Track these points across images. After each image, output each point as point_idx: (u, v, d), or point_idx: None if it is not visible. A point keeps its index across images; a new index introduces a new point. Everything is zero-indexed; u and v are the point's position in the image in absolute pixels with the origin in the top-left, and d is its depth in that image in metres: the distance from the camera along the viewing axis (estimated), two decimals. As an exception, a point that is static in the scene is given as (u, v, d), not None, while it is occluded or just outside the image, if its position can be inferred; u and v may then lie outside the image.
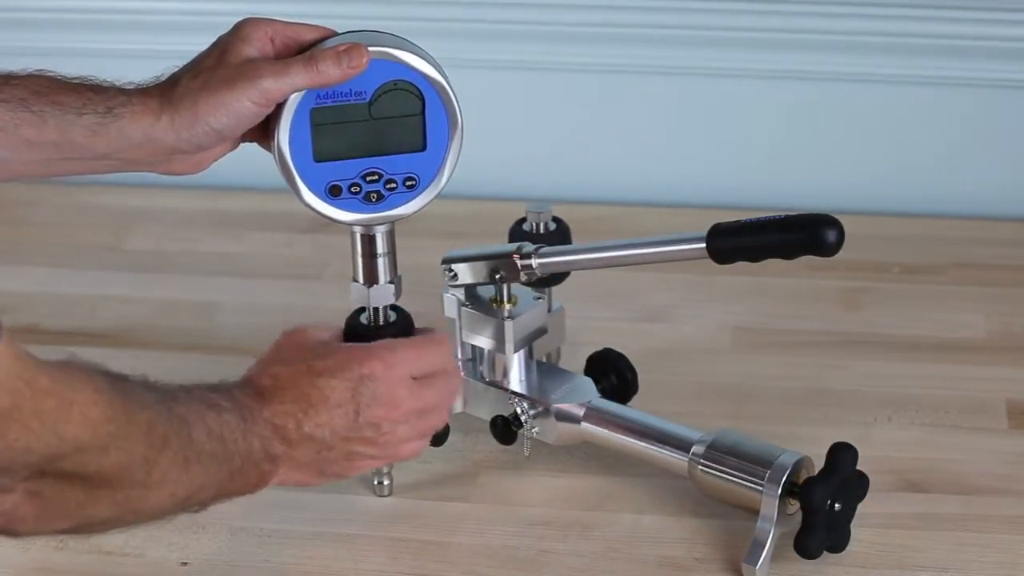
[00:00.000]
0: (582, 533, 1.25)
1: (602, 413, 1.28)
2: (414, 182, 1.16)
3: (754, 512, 1.18)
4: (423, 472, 1.31)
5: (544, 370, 1.32)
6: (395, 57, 1.13)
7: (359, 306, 1.22)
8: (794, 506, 1.18)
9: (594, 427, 1.27)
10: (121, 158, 1.13)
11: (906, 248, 1.64)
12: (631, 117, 1.77)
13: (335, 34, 1.15)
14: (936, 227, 1.68)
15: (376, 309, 1.21)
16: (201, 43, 1.15)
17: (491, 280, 1.27)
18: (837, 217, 1.12)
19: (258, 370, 1.13)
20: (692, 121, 1.76)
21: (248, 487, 1.09)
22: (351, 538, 1.25)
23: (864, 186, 1.74)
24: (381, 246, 1.19)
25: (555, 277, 1.31)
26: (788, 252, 1.13)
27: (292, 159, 1.14)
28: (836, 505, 1.17)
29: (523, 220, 1.33)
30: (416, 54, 1.14)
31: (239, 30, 1.13)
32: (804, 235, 1.12)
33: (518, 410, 1.28)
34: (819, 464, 1.18)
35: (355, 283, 1.21)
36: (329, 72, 1.11)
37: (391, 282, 1.21)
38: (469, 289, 1.31)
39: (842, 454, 1.18)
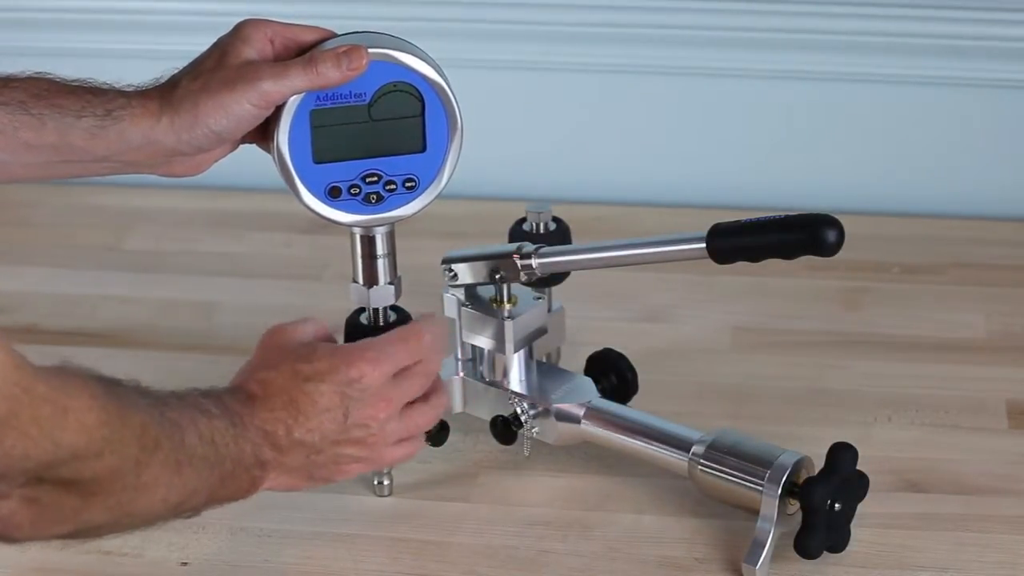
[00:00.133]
0: (582, 533, 1.25)
1: (602, 413, 1.28)
2: (414, 183, 1.16)
3: (754, 512, 1.18)
4: (423, 472, 1.31)
5: (544, 370, 1.32)
6: (395, 59, 1.13)
7: (359, 307, 1.22)
8: (794, 506, 1.18)
9: (594, 427, 1.27)
10: (121, 160, 1.13)
11: (906, 248, 1.64)
12: (631, 117, 1.77)
13: (335, 35, 1.15)
14: (936, 227, 1.68)
15: (376, 310, 1.22)
16: (201, 43, 1.15)
17: (491, 280, 1.27)
18: (837, 217, 1.12)
19: (246, 376, 1.12)
20: (692, 121, 1.76)
21: (239, 492, 1.09)
22: (351, 538, 1.25)
23: (864, 186, 1.73)
24: (381, 247, 1.19)
25: (555, 277, 1.31)
26: (788, 252, 1.13)
27: (292, 161, 1.14)
28: (836, 505, 1.17)
29: (523, 220, 1.33)
30: (416, 55, 1.14)
31: (239, 31, 1.13)
32: (804, 235, 1.12)
33: (518, 410, 1.28)
34: (819, 464, 1.19)
35: (355, 284, 1.21)
36: (329, 74, 1.10)
37: (391, 283, 1.21)
38: (469, 289, 1.30)
39: (842, 454, 1.18)
